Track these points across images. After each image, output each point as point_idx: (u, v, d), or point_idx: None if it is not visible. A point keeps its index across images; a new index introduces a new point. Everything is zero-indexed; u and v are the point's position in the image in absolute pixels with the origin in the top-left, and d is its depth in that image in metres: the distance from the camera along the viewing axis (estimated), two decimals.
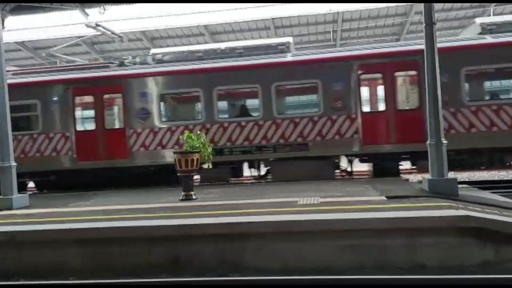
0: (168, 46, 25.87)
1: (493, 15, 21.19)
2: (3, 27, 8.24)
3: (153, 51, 11.80)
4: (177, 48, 13.48)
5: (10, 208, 7.90)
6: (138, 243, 5.73)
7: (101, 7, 9.77)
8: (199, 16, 22.63)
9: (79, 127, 11.20)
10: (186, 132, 8.02)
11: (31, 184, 12.00)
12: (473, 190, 8.32)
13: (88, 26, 12.90)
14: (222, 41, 25.55)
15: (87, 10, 10.24)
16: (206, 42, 25.19)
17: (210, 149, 7.98)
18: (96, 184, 10.85)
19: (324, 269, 5.26)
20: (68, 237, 5.84)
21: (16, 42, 23.80)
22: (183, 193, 7.79)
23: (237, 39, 24.92)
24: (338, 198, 6.91)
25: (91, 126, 11.18)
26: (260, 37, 24.45)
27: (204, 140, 7.92)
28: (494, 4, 19.90)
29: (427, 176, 7.37)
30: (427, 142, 7.27)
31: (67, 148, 10.95)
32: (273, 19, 22.52)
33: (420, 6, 7.58)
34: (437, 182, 6.98)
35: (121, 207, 7.39)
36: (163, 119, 10.87)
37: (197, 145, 7.75)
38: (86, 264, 5.79)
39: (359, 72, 10.16)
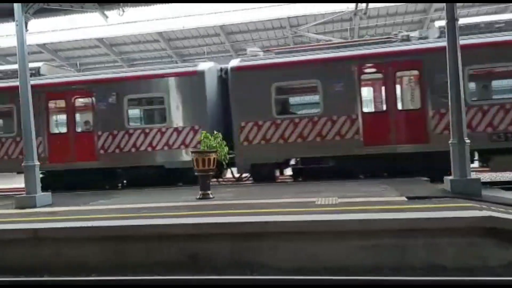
0: (184, 47, 26.17)
1: None
2: (27, 30, 8.46)
3: (438, 23, 10.45)
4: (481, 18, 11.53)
5: (34, 206, 8.12)
6: (157, 241, 5.79)
7: (120, 9, 9.92)
8: (214, 17, 22.73)
9: (365, 109, 10.18)
10: (203, 132, 8.07)
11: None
12: (496, 190, 8.12)
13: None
14: (237, 41, 25.68)
15: (106, 13, 10.41)
16: (221, 43, 25.33)
17: (226, 149, 8.01)
18: (381, 172, 9.78)
19: (344, 270, 5.21)
20: (89, 234, 5.96)
21: (38, 45, 24.44)
22: (200, 192, 7.86)
23: (253, 39, 24.96)
24: (357, 199, 6.83)
25: (380, 107, 10.24)
26: (276, 37, 24.43)
27: (220, 140, 7.96)
28: None
29: (449, 176, 7.21)
30: (449, 141, 7.10)
31: (352, 131, 9.92)
32: (288, 18, 22.44)
33: (441, 3, 7.42)
34: (459, 182, 6.83)
35: (140, 205, 7.50)
36: (473, 98, 9.48)
37: (214, 145, 7.80)
38: (106, 261, 5.89)
39: None
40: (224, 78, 11.18)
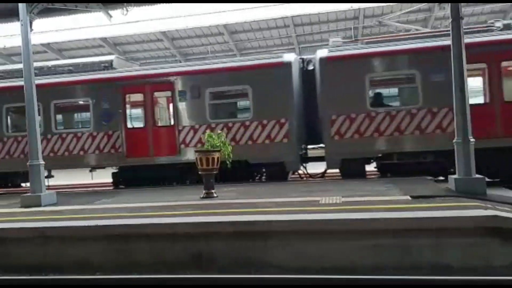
0: (188, 46, 26.19)
1: None
2: (31, 30, 8.50)
3: None
4: None
5: (39, 205, 8.16)
6: (160, 240, 5.81)
7: (124, 8, 9.94)
8: (218, 16, 22.73)
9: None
10: (207, 132, 8.11)
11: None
12: (501, 189, 8.06)
13: None
14: (241, 40, 25.66)
15: (110, 12, 10.43)
16: (225, 42, 25.35)
17: (230, 148, 8.03)
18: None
19: (346, 269, 5.20)
20: (94, 233, 5.98)
21: (42, 44, 24.54)
22: (204, 191, 7.88)
23: (256, 38, 24.96)
24: (361, 198, 6.81)
25: (479, 99, 9.58)
26: (280, 36, 24.39)
27: (224, 139, 7.99)
28: None
29: (453, 175, 7.18)
30: (454, 140, 7.07)
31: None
32: (292, 17, 22.41)
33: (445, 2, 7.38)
34: (464, 181, 6.80)
35: (144, 204, 7.52)
36: None
37: (218, 144, 7.82)
38: (110, 260, 5.91)
39: None
40: (305, 69, 10.93)
